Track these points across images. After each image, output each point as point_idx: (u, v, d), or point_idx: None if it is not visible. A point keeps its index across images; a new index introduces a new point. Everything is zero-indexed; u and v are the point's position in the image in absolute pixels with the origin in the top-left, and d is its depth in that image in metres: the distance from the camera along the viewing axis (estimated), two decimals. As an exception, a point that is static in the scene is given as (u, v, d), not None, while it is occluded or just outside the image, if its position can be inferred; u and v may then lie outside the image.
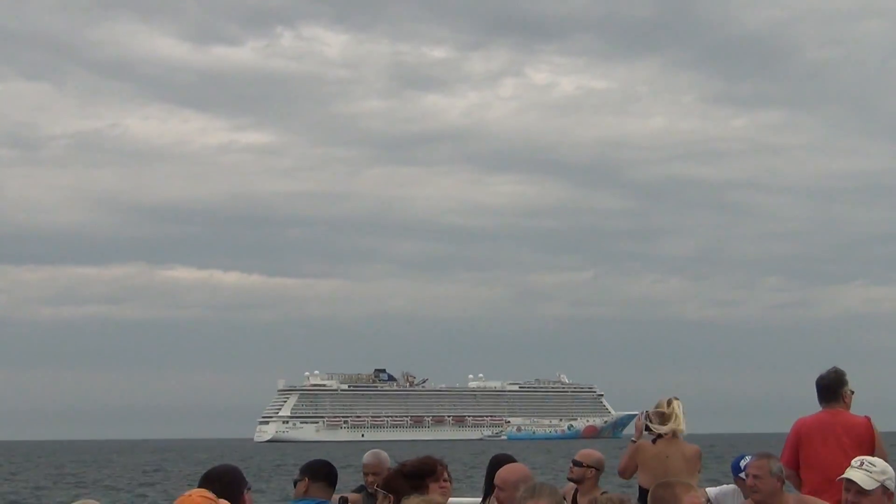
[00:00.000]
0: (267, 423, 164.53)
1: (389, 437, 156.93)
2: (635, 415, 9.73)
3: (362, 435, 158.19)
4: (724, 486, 9.20)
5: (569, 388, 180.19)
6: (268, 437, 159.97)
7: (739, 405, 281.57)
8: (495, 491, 7.03)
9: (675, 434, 9.19)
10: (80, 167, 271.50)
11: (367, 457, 8.71)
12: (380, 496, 6.80)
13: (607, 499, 5.34)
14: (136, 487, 52.20)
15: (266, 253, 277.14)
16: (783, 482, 7.28)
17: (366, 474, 8.63)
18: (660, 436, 9.20)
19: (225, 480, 5.86)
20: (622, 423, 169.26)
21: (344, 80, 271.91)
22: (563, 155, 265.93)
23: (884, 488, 6.24)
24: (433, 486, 6.83)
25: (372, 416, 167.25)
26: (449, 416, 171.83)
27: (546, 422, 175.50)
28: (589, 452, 9.24)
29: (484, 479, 8.37)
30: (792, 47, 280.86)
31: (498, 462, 7.80)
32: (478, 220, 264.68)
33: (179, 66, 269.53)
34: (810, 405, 8.82)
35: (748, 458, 8.08)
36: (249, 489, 6.05)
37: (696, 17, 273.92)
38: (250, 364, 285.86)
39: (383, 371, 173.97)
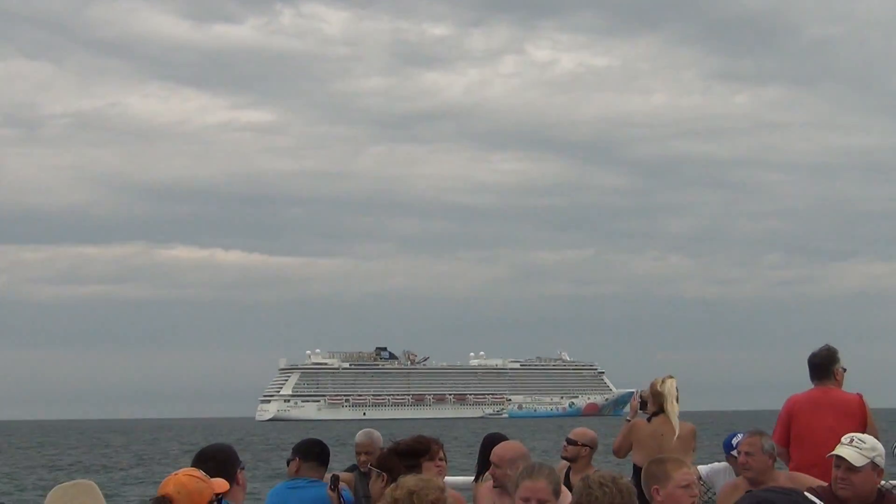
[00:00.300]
0: (268, 401, 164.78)
1: (391, 415, 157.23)
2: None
3: (364, 413, 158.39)
4: (716, 464, 9.25)
5: (570, 365, 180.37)
6: (269, 416, 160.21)
7: (740, 382, 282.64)
8: (491, 468, 7.07)
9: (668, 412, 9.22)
10: (81, 146, 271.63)
11: (359, 436, 8.73)
12: (373, 475, 6.82)
13: (600, 476, 5.33)
14: (133, 467, 52.24)
15: (267, 232, 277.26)
16: (775, 459, 7.31)
17: (358, 453, 8.66)
18: (655, 414, 9.23)
19: (218, 459, 5.85)
20: (623, 400, 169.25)
21: (344, 57, 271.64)
22: (564, 132, 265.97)
23: (873, 465, 6.26)
24: (428, 465, 6.86)
25: (373, 395, 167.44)
26: (450, 395, 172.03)
27: (547, 399, 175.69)
28: (583, 431, 9.29)
29: (477, 458, 8.39)
30: (793, 24, 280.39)
31: (491, 441, 7.82)
32: (479, 198, 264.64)
33: (179, 44, 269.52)
34: (810, 383, 8.84)
35: (740, 436, 8.12)
36: (243, 468, 6.04)
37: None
38: (251, 343, 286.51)
39: (385, 349, 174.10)
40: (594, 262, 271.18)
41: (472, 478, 8.48)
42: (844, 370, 8.72)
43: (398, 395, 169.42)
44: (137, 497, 33.07)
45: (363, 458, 8.54)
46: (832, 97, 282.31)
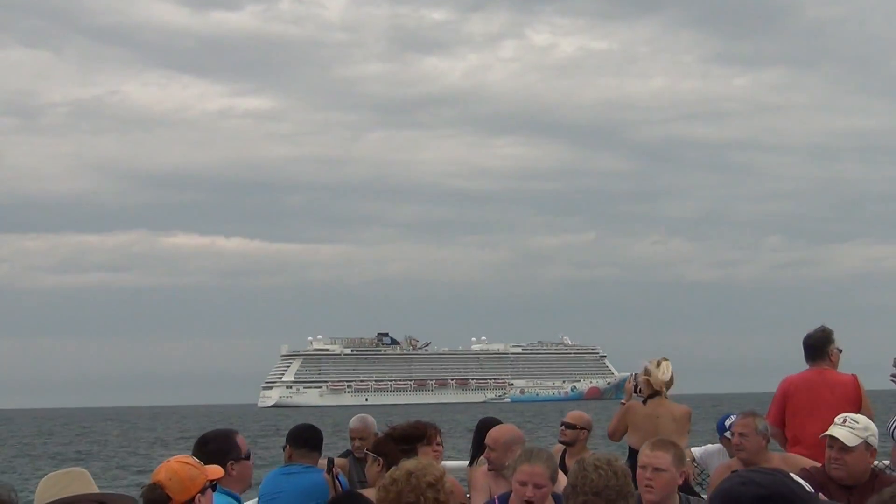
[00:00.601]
0: (270, 388, 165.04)
1: (393, 400, 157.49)
2: None
3: (366, 399, 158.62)
4: (709, 445, 9.25)
5: (572, 349, 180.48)
6: (271, 403, 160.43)
7: (742, 365, 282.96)
8: (486, 451, 7.08)
9: (663, 394, 9.22)
10: (81, 134, 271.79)
11: (353, 421, 8.73)
12: (370, 459, 6.83)
13: (595, 458, 5.34)
14: (130, 455, 52.28)
15: (267, 218, 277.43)
16: (768, 440, 7.31)
17: (352, 439, 8.66)
18: (650, 396, 9.23)
19: (210, 447, 5.82)
20: (625, 384, 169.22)
21: (343, 43, 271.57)
22: (564, 116, 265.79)
23: (867, 445, 6.26)
24: (425, 449, 6.88)
25: (375, 380, 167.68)
26: (452, 380, 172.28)
27: (549, 384, 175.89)
28: (579, 414, 9.31)
29: (471, 442, 8.39)
30: (793, 5, 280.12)
31: (485, 425, 7.83)
32: (479, 182, 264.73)
33: (178, 31, 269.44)
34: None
35: (733, 417, 8.12)
36: (243, 459, 5.88)
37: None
38: (253, 330, 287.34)
39: (386, 335, 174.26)
40: (595, 246, 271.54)
41: (467, 462, 8.48)
42: (840, 351, 8.70)
43: (400, 380, 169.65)
44: (133, 484, 33.07)
45: (357, 443, 8.55)
46: (832, 79, 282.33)
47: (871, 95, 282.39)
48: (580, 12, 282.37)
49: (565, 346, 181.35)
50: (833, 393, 8.36)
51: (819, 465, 6.51)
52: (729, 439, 8.08)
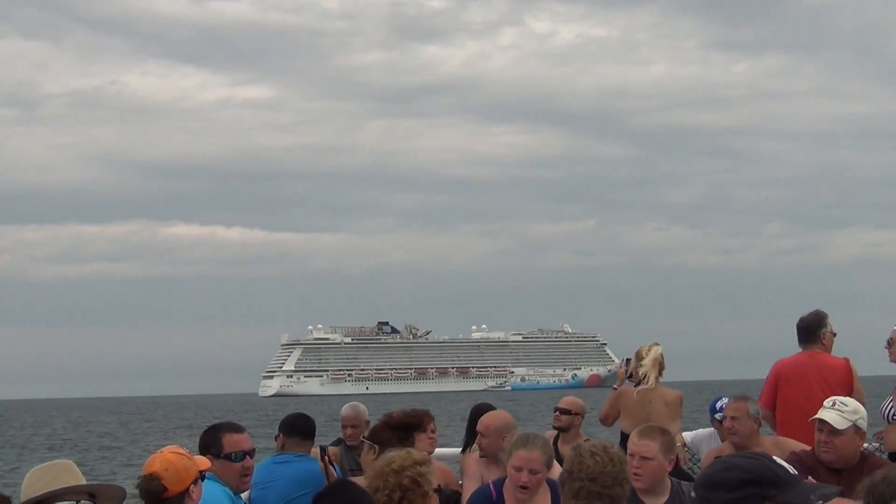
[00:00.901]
0: (271, 377, 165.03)
1: (394, 389, 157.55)
2: None
3: (367, 388, 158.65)
4: (700, 430, 9.26)
5: (572, 337, 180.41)
6: (272, 392, 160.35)
7: (742, 351, 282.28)
8: (478, 438, 7.10)
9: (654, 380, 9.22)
10: (80, 125, 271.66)
11: (344, 409, 8.75)
12: (365, 447, 6.86)
13: (591, 445, 5.35)
14: (128, 445, 52.26)
15: (267, 208, 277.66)
16: (760, 424, 7.33)
17: (344, 427, 8.68)
18: (641, 381, 9.24)
19: (203, 439, 5.84)
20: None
21: (342, 32, 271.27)
22: (563, 104, 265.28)
23: (856, 428, 6.29)
24: (421, 437, 6.90)
25: (376, 369, 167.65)
26: (453, 368, 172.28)
27: (550, 371, 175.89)
28: (573, 400, 9.35)
29: (465, 429, 8.40)
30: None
31: (479, 411, 7.85)
32: (479, 170, 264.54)
33: (177, 21, 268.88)
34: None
35: (725, 400, 8.14)
36: (248, 454, 5.80)
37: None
38: (254, 319, 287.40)
39: (386, 324, 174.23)
40: (595, 234, 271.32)
41: (460, 450, 8.49)
42: (834, 335, 8.68)
43: (401, 368, 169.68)
44: (129, 476, 33.09)
45: (349, 431, 8.57)
46: (832, 65, 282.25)
47: (870, 81, 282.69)
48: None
49: (566, 333, 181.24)
50: (824, 376, 8.35)
51: (809, 448, 6.54)
52: (720, 422, 8.10)
